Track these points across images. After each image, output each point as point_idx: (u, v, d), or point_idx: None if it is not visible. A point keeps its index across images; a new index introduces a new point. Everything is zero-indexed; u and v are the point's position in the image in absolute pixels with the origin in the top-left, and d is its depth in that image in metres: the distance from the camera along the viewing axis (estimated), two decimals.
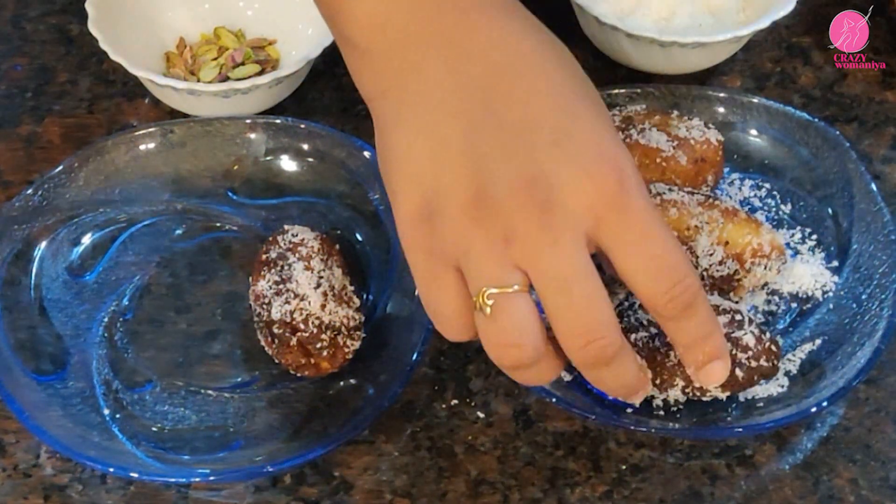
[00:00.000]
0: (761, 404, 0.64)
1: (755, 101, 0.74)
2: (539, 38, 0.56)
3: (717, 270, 0.65)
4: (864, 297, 0.67)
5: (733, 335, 0.61)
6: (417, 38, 0.55)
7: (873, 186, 0.70)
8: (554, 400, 0.62)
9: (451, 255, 0.53)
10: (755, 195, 0.73)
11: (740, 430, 0.62)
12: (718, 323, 0.57)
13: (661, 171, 0.69)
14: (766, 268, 0.66)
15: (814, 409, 0.62)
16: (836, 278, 0.69)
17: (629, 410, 0.64)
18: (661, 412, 0.64)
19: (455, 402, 0.66)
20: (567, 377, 0.65)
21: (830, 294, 0.69)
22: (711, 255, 0.65)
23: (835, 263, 0.70)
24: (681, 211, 0.66)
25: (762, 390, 0.65)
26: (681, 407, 0.64)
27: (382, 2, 0.55)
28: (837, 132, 0.72)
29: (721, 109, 0.74)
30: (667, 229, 0.54)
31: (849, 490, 0.63)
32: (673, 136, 0.70)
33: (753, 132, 0.75)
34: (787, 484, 0.63)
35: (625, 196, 0.52)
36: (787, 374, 0.65)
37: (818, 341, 0.66)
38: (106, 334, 0.68)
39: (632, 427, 0.63)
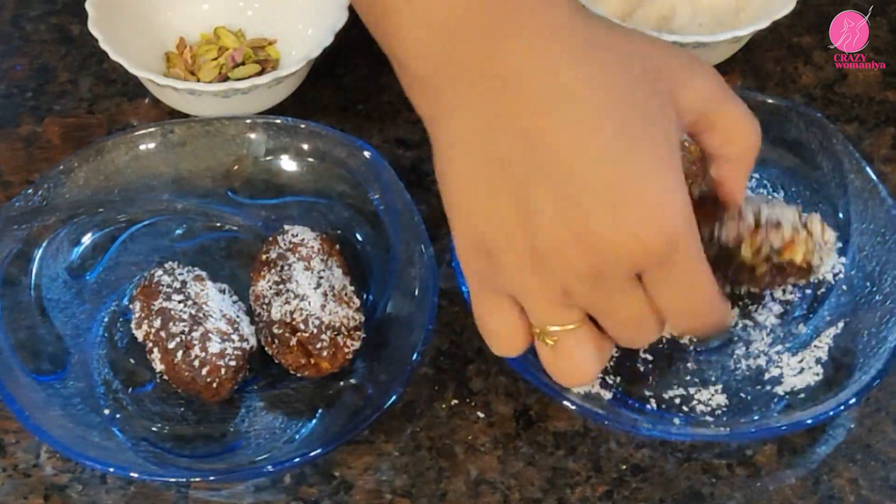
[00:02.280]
0: (802, 395, 0.64)
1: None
2: (584, 59, 0.52)
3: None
4: (875, 273, 0.67)
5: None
6: (455, 71, 0.53)
7: (864, 164, 0.69)
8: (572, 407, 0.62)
9: (508, 290, 0.56)
10: (747, 186, 0.73)
11: (785, 428, 0.62)
12: (728, 315, 0.60)
13: None
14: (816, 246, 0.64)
15: (853, 401, 0.61)
16: (843, 259, 0.69)
17: (632, 413, 0.64)
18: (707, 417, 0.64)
19: (455, 402, 0.66)
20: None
21: (841, 276, 0.68)
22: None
23: (839, 245, 0.69)
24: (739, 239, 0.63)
25: (800, 380, 0.65)
26: (723, 410, 0.64)
27: (427, 30, 0.53)
28: (819, 113, 0.72)
29: None
30: (708, 279, 0.55)
31: (849, 490, 0.63)
32: None
33: None
34: (787, 484, 0.63)
35: (673, 255, 0.53)
36: (818, 361, 0.65)
37: (840, 324, 0.66)
38: (106, 334, 0.67)
39: (629, 429, 0.63)
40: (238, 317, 0.65)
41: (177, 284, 0.65)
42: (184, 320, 0.63)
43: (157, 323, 0.64)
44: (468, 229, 0.55)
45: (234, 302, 0.67)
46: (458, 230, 0.55)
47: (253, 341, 0.65)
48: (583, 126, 0.51)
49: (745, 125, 0.58)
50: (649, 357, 0.66)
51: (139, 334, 0.65)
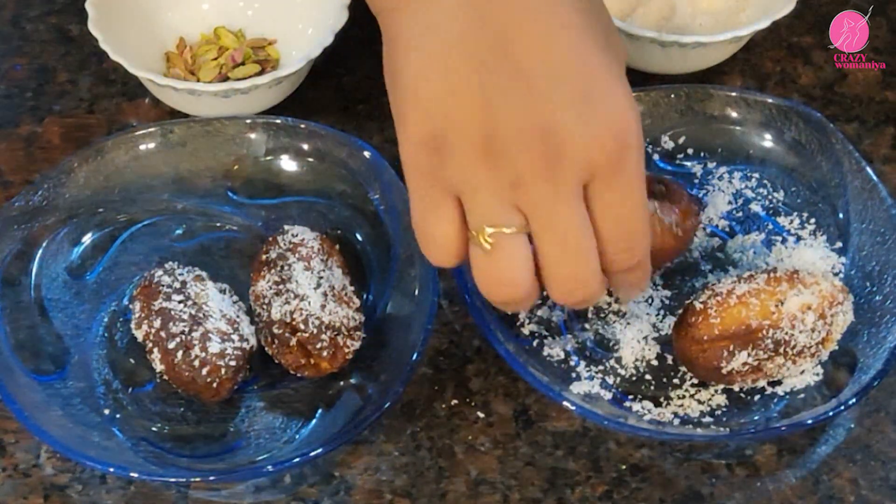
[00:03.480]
0: (802, 395, 0.64)
1: (733, 94, 0.74)
2: None
3: (813, 338, 0.63)
4: (875, 273, 0.67)
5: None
6: None
7: (864, 164, 0.69)
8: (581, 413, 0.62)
9: (453, 187, 0.55)
10: (746, 186, 0.73)
11: (785, 428, 0.62)
12: (648, 274, 0.60)
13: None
14: (843, 314, 0.64)
15: (853, 401, 0.61)
16: (843, 259, 0.69)
17: (634, 419, 0.64)
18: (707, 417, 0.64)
19: (455, 402, 0.66)
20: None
21: (841, 276, 0.68)
22: (804, 322, 0.63)
23: (839, 245, 0.70)
24: (760, 298, 0.63)
25: (800, 381, 0.64)
26: (723, 411, 0.64)
27: None
28: (819, 113, 0.72)
29: (700, 102, 0.74)
30: (643, 203, 0.56)
31: (849, 490, 0.63)
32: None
33: (734, 123, 0.74)
34: (787, 484, 0.63)
35: (622, 161, 0.54)
36: (818, 361, 0.65)
37: None
38: (106, 334, 0.68)
39: (627, 431, 0.63)
40: (238, 317, 0.65)
41: (177, 284, 0.65)
42: (184, 320, 0.63)
43: (157, 323, 0.64)
44: (422, 117, 0.54)
45: (234, 302, 0.67)
46: (410, 121, 0.55)
47: (253, 341, 0.65)
48: (560, 30, 0.54)
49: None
50: (649, 357, 0.66)
51: (139, 334, 0.65)
